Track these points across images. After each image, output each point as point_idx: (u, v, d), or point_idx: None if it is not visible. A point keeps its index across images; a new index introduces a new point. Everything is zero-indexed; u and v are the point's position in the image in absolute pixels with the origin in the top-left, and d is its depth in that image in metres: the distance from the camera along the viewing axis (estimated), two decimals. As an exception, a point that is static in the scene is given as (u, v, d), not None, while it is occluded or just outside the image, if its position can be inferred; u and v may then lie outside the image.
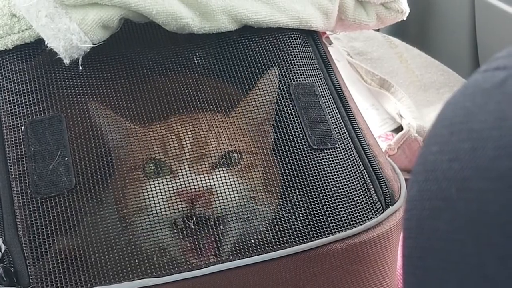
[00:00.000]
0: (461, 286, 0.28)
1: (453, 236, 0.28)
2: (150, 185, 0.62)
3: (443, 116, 0.32)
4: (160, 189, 0.61)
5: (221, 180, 0.62)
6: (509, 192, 0.26)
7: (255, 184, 0.64)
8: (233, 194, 0.62)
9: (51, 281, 0.57)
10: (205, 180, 0.62)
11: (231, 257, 0.60)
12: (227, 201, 0.61)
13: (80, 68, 0.65)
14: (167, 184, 0.62)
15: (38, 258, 0.58)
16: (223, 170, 0.63)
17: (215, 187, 0.62)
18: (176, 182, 0.61)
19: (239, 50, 0.73)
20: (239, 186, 0.63)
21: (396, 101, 1.25)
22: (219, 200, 0.61)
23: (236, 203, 0.62)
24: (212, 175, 0.62)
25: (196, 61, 0.73)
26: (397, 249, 0.71)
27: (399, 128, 1.23)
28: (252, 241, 0.62)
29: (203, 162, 0.63)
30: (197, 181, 0.61)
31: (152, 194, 0.61)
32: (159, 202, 0.61)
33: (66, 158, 0.61)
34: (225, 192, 0.62)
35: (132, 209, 0.61)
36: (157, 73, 0.71)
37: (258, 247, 0.61)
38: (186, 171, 0.62)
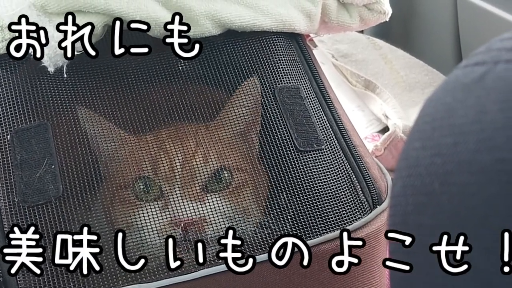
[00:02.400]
0: (448, 280, 0.28)
1: (437, 231, 0.29)
2: (142, 209, 0.62)
3: (425, 112, 0.32)
4: (152, 215, 0.61)
5: (214, 206, 0.62)
6: (491, 185, 0.26)
7: (246, 203, 0.64)
8: (225, 219, 0.62)
9: (40, 289, 0.56)
10: (197, 207, 0.62)
11: (220, 261, 0.60)
12: (219, 227, 0.61)
13: (65, 76, 0.65)
14: (160, 211, 0.61)
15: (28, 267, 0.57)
16: (215, 195, 0.63)
17: (208, 215, 0.62)
18: (168, 209, 0.61)
19: (224, 54, 0.73)
20: (231, 211, 0.63)
21: (381, 102, 1.26)
22: (211, 226, 0.61)
23: (228, 225, 0.62)
24: (204, 201, 0.62)
25: (180, 67, 0.73)
26: (386, 248, 0.71)
27: (385, 129, 1.24)
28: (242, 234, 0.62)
29: (194, 184, 0.63)
30: (189, 209, 0.61)
31: (145, 220, 0.61)
32: (152, 229, 0.61)
33: (53, 166, 0.61)
34: (217, 219, 0.62)
35: (121, 227, 0.61)
36: (142, 80, 0.71)
37: (247, 249, 0.61)
38: (177, 196, 0.62)
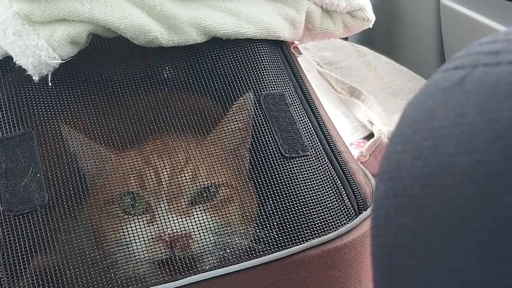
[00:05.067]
0: (429, 280, 0.28)
1: (419, 232, 0.29)
2: (129, 224, 0.61)
3: (406, 116, 0.32)
4: (139, 229, 0.61)
5: (199, 220, 0.62)
6: (471, 186, 0.27)
7: (231, 218, 0.64)
8: (211, 235, 0.62)
9: (26, 298, 0.56)
10: (183, 222, 0.61)
11: (207, 268, 0.60)
12: (205, 243, 0.61)
13: (50, 84, 0.65)
14: (146, 225, 0.61)
15: (13, 276, 0.57)
16: (200, 208, 0.63)
17: (193, 230, 0.61)
18: (155, 224, 0.61)
19: (209, 62, 0.73)
20: (216, 225, 0.63)
21: (366, 108, 1.27)
22: (197, 243, 0.61)
23: (213, 240, 0.62)
24: (190, 215, 0.62)
25: (166, 75, 0.73)
26: (372, 254, 0.71)
27: (370, 135, 1.24)
28: (228, 251, 0.62)
29: (181, 199, 0.62)
30: (176, 224, 0.61)
31: (132, 234, 0.61)
32: (139, 244, 0.60)
33: (38, 175, 0.61)
34: (203, 234, 0.61)
35: (110, 242, 0.61)
36: (128, 89, 0.71)
37: (234, 257, 0.61)
38: (164, 210, 0.62)
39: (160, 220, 0.61)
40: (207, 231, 0.62)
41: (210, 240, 0.61)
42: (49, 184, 0.61)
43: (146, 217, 0.62)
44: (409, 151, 0.30)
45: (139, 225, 0.61)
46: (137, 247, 0.60)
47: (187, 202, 0.63)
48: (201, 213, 0.62)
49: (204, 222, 0.62)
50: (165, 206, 0.62)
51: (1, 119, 0.64)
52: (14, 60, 0.63)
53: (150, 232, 0.61)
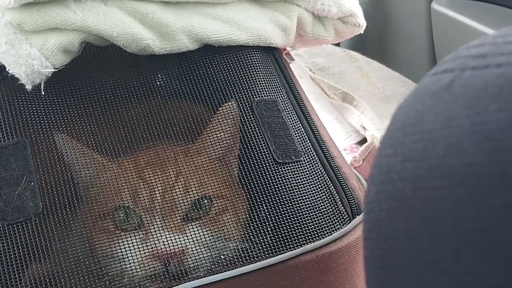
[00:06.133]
0: (420, 282, 0.29)
1: (410, 235, 0.29)
2: (122, 241, 0.61)
3: (396, 119, 0.33)
4: (133, 246, 0.61)
5: (194, 237, 0.62)
6: (460, 188, 0.27)
7: (227, 228, 0.64)
8: (205, 249, 0.62)
9: (21, 307, 0.56)
10: (178, 239, 0.61)
11: (201, 274, 0.60)
12: (200, 258, 0.61)
13: (43, 93, 0.65)
14: (140, 242, 0.61)
15: (8, 285, 0.57)
16: (194, 225, 0.63)
17: (188, 246, 0.61)
18: (148, 241, 0.61)
19: (201, 69, 0.73)
20: (211, 239, 0.63)
21: (359, 113, 1.27)
22: (192, 258, 0.61)
23: (208, 255, 0.62)
24: (184, 232, 0.62)
25: (158, 83, 0.74)
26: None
27: (363, 141, 1.25)
28: (222, 257, 0.62)
29: (174, 215, 0.63)
30: (170, 240, 0.61)
31: (126, 251, 0.61)
32: (133, 261, 0.60)
33: (32, 183, 0.61)
34: (197, 249, 0.62)
35: (103, 256, 0.61)
36: (120, 97, 0.71)
37: (228, 262, 0.61)
38: (158, 227, 0.62)
39: (154, 237, 0.61)
40: (201, 246, 0.62)
41: (205, 254, 0.62)
42: (43, 193, 0.61)
43: (139, 234, 0.62)
44: (400, 154, 0.31)
45: (133, 242, 0.61)
46: (130, 264, 0.60)
47: (181, 218, 0.63)
48: (195, 229, 0.62)
49: (198, 238, 0.62)
50: (159, 223, 0.62)
51: (-5, 128, 0.64)
52: (7, 69, 0.63)
53: (145, 250, 0.60)
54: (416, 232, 0.29)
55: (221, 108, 0.69)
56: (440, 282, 0.27)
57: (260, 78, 0.74)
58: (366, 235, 0.34)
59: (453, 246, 0.27)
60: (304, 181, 0.67)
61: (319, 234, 0.64)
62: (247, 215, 0.66)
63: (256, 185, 0.66)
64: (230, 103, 0.69)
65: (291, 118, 0.72)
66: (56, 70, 0.64)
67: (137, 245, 0.61)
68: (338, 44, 1.57)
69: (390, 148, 0.32)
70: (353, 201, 0.69)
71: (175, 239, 0.61)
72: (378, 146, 1.04)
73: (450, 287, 0.27)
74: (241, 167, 0.68)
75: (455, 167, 0.27)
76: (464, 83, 0.28)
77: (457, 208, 0.27)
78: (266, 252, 0.62)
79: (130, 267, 0.60)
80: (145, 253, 0.60)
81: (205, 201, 0.64)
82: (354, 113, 1.28)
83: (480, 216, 0.26)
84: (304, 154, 0.69)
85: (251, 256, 0.62)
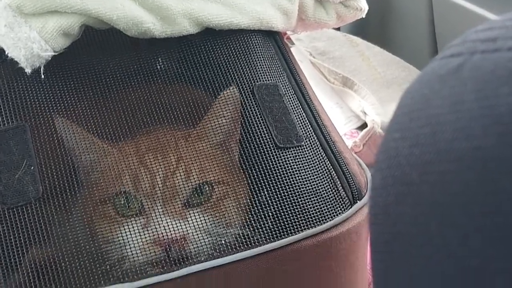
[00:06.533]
0: (428, 267, 0.28)
1: (418, 220, 0.29)
2: (123, 227, 0.61)
3: (403, 104, 0.32)
4: (133, 233, 0.61)
5: (195, 223, 0.62)
6: (469, 172, 0.27)
7: (228, 214, 0.64)
8: (206, 235, 0.62)
9: (22, 291, 0.56)
10: (179, 225, 0.61)
11: (202, 259, 0.60)
12: (201, 244, 0.61)
13: (43, 76, 0.64)
14: (141, 228, 0.61)
15: (8, 268, 0.57)
16: (196, 211, 0.63)
17: (189, 232, 0.61)
18: (149, 226, 0.61)
19: (202, 53, 0.73)
20: (212, 225, 0.63)
21: (359, 98, 1.27)
22: (193, 244, 0.61)
23: (209, 240, 0.62)
24: (186, 218, 0.62)
25: (159, 66, 0.73)
26: (367, 243, 0.72)
27: (363, 126, 1.25)
28: (223, 242, 0.62)
29: (175, 200, 0.62)
30: (171, 227, 0.61)
31: (127, 238, 0.61)
32: (134, 247, 0.60)
33: (32, 168, 0.61)
34: (199, 236, 0.61)
35: (104, 242, 0.61)
36: (121, 81, 0.70)
37: (229, 248, 0.61)
38: (159, 213, 0.62)
39: (155, 223, 0.61)
40: (203, 232, 0.62)
41: (206, 240, 0.61)
42: (43, 177, 0.61)
43: (140, 220, 0.62)
44: (407, 139, 0.30)
45: (134, 228, 0.61)
46: (131, 250, 0.60)
47: (182, 204, 0.63)
48: (196, 215, 0.62)
49: (200, 224, 0.62)
50: (160, 208, 0.62)
51: (-6, 112, 0.64)
52: (6, 53, 0.63)
53: (146, 236, 0.60)
54: (424, 217, 0.29)
55: (222, 93, 0.68)
56: (447, 267, 0.27)
57: (261, 62, 0.73)
58: (372, 220, 0.34)
59: (462, 230, 0.27)
60: (305, 166, 0.67)
61: (320, 219, 0.64)
62: (248, 201, 0.66)
63: (257, 170, 0.66)
64: (231, 88, 0.68)
65: (292, 103, 0.72)
66: (55, 53, 0.64)
67: (138, 231, 0.61)
68: (338, 29, 1.57)
69: (397, 132, 0.32)
70: (354, 186, 0.69)
71: (176, 225, 0.61)
72: (380, 132, 1.05)
73: (457, 271, 0.27)
74: (242, 152, 0.68)
75: (464, 151, 0.27)
76: (473, 67, 0.28)
77: (465, 192, 0.27)
78: (267, 237, 0.62)
79: (131, 253, 0.60)
80: (146, 239, 0.60)
81: (206, 187, 0.64)
82: (354, 98, 1.28)
83: (489, 200, 0.26)
84: (305, 139, 0.69)
85: (252, 241, 0.62)
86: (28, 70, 0.63)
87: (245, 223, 0.65)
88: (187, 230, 0.61)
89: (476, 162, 0.26)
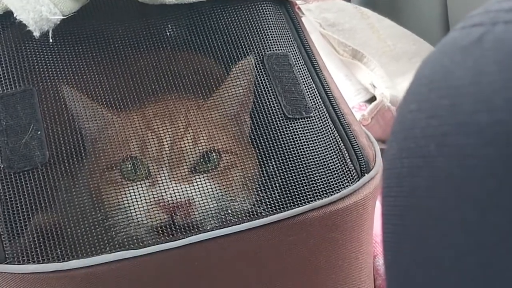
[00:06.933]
0: (442, 241, 0.28)
1: (433, 193, 0.29)
2: (128, 190, 0.61)
3: (421, 75, 0.32)
4: (139, 195, 0.61)
5: (201, 188, 0.62)
6: (489, 147, 0.26)
7: (234, 184, 0.64)
8: (212, 202, 0.62)
9: (27, 255, 0.56)
10: (185, 189, 0.61)
11: (208, 228, 0.60)
12: (206, 210, 0.61)
13: (51, 40, 0.63)
14: (146, 191, 0.61)
15: (13, 233, 0.57)
16: (202, 177, 0.63)
17: (195, 198, 0.61)
18: (155, 190, 0.61)
19: (212, 20, 0.72)
20: (218, 192, 0.63)
21: (368, 71, 1.26)
22: (198, 210, 0.61)
23: (215, 208, 0.62)
24: (191, 183, 0.62)
25: (168, 33, 0.72)
26: (373, 217, 0.71)
27: (372, 99, 1.24)
28: (229, 211, 0.62)
29: (182, 165, 0.62)
30: (177, 191, 0.61)
31: (131, 200, 0.60)
32: (139, 210, 0.60)
33: (39, 132, 0.60)
34: (204, 201, 0.61)
35: (109, 206, 0.61)
36: (129, 47, 0.70)
37: (235, 217, 0.61)
38: (165, 177, 0.61)
39: (161, 187, 0.61)
40: (208, 199, 0.61)
41: (212, 207, 0.61)
42: (50, 142, 0.61)
43: (146, 183, 0.62)
44: (424, 110, 0.30)
45: (139, 190, 0.61)
46: (136, 212, 0.60)
47: (189, 169, 0.62)
48: (203, 181, 0.62)
49: (206, 190, 0.62)
50: (166, 173, 0.62)
51: (1, 75, 0.63)
52: (15, 15, 0.62)
53: (150, 198, 0.60)
54: (439, 190, 0.28)
55: (238, 64, 0.68)
56: (462, 242, 0.27)
57: (272, 32, 0.72)
58: (385, 192, 0.33)
59: (479, 205, 0.26)
60: (313, 137, 0.67)
61: (327, 191, 0.64)
62: (256, 173, 0.65)
63: (265, 140, 0.66)
64: (247, 59, 0.68)
65: (302, 73, 0.71)
66: (64, 17, 0.63)
67: (144, 194, 0.61)
68: (349, 0, 1.55)
69: (414, 103, 0.31)
70: (362, 158, 0.68)
71: (182, 190, 0.61)
72: (389, 105, 1.03)
73: (473, 247, 0.26)
74: (250, 122, 0.67)
75: (484, 125, 0.26)
76: (496, 38, 0.27)
77: (484, 166, 0.26)
78: (274, 208, 0.61)
79: (136, 216, 0.60)
80: (151, 202, 0.60)
81: (214, 154, 0.64)
82: (363, 70, 1.27)
83: (509, 176, 0.25)
84: (314, 110, 0.69)
85: (258, 212, 0.61)
86: (36, 34, 0.62)
87: (252, 194, 0.64)
88: (192, 196, 0.61)
89: (497, 137, 0.26)
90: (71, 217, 0.59)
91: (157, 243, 0.57)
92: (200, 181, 0.62)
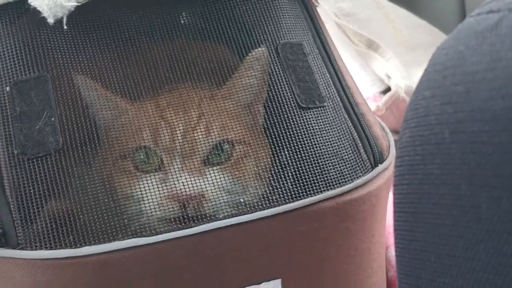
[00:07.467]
0: (455, 229, 0.28)
1: (446, 180, 0.28)
2: (141, 181, 0.61)
3: (436, 61, 0.31)
4: (152, 188, 0.61)
5: (214, 181, 0.62)
6: (504, 133, 0.26)
7: (247, 175, 0.64)
8: (225, 193, 0.62)
9: (40, 241, 0.56)
10: (197, 182, 0.61)
11: (221, 216, 0.60)
12: (219, 202, 0.61)
13: (65, 27, 0.63)
14: (159, 183, 0.61)
15: (26, 219, 0.57)
16: (215, 169, 0.62)
17: (207, 190, 0.61)
18: (168, 182, 0.61)
19: (226, 9, 0.72)
20: (231, 184, 0.63)
21: (384, 61, 1.25)
22: (211, 202, 0.61)
23: (227, 199, 0.62)
24: (204, 175, 0.62)
25: (182, 21, 0.72)
26: (386, 207, 0.71)
27: (387, 90, 1.23)
28: (242, 200, 0.62)
29: (195, 156, 0.62)
30: (189, 183, 0.61)
31: (144, 192, 0.60)
32: (151, 202, 0.60)
33: (53, 119, 0.61)
34: (217, 194, 0.61)
35: (122, 196, 0.61)
36: (143, 35, 0.70)
37: (248, 206, 0.61)
38: (178, 168, 0.61)
39: (174, 178, 0.61)
40: (221, 191, 0.61)
41: (224, 199, 0.61)
42: (64, 128, 0.61)
43: (159, 175, 0.61)
44: (439, 97, 0.29)
45: (152, 183, 0.61)
46: (149, 204, 0.60)
47: (201, 160, 0.62)
48: (216, 173, 0.62)
49: (218, 183, 0.62)
50: (178, 164, 0.62)
51: (16, 62, 0.63)
52: (29, 2, 0.62)
53: (163, 191, 0.60)
54: (453, 178, 0.28)
55: (251, 53, 0.67)
56: (475, 230, 0.27)
57: (287, 20, 0.72)
58: (397, 180, 0.33)
59: (493, 192, 0.26)
60: (327, 127, 0.66)
61: (340, 181, 0.63)
62: (269, 163, 0.65)
63: (278, 129, 0.65)
64: (261, 48, 0.67)
65: (316, 63, 0.71)
66: (79, 3, 0.63)
67: (156, 186, 0.61)
68: (364, -10, 1.54)
69: (428, 90, 0.31)
70: (376, 149, 0.68)
71: (194, 182, 0.61)
72: (404, 96, 1.03)
73: (486, 234, 0.26)
74: (264, 112, 0.67)
75: (499, 112, 0.26)
76: (512, 24, 0.27)
77: (499, 153, 0.26)
78: (287, 197, 0.61)
79: (149, 207, 0.60)
80: (164, 193, 0.60)
81: (227, 145, 0.64)
82: (379, 60, 1.26)
83: None
84: (328, 100, 0.68)
85: (271, 201, 0.61)
86: (50, 20, 0.62)
87: (265, 184, 0.64)
88: (205, 188, 0.61)
89: None
90: (84, 204, 0.59)
91: (170, 231, 0.57)
92: (213, 173, 0.62)
